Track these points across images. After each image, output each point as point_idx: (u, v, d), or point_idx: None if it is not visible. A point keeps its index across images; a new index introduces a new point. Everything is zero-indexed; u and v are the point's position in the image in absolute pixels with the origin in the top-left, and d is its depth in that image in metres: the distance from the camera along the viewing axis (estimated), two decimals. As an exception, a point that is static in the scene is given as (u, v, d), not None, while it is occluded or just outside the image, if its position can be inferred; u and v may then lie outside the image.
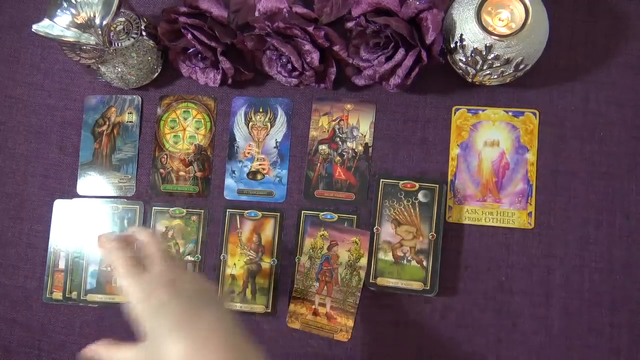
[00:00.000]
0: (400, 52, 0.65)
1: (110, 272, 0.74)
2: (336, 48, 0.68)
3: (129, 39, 0.70)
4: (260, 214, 0.72)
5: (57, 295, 0.75)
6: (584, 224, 0.67)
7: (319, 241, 0.71)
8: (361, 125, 0.72)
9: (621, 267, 0.66)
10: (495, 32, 0.61)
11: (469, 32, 0.62)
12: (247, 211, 0.73)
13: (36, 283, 0.75)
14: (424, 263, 0.68)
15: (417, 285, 0.68)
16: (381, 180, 0.70)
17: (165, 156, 0.75)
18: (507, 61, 0.62)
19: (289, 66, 0.70)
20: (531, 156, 0.69)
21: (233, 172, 0.74)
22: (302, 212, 0.72)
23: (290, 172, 0.73)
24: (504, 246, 0.68)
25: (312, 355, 0.70)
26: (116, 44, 0.70)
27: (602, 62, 0.69)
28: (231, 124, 0.75)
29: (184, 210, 0.74)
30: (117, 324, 0.73)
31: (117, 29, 0.70)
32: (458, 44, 0.63)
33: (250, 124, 0.74)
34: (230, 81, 0.73)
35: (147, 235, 0.58)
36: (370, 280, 0.69)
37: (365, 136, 0.72)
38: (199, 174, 0.75)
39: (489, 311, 0.67)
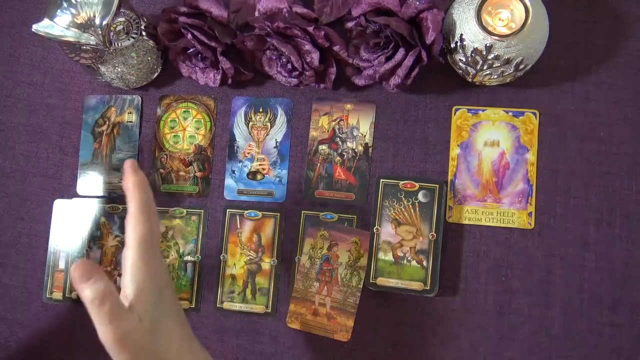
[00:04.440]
0: (400, 52, 0.65)
1: (111, 272, 0.74)
2: (336, 48, 0.68)
3: (129, 39, 0.70)
4: (260, 214, 0.72)
5: (57, 295, 0.75)
6: (584, 224, 0.67)
7: (319, 241, 0.71)
8: (361, 125, 0.72)
9: (621, 267, 0.66)
10: (495, 32, 0.61)
11: (469, 32, 0.62)
12: (247, 211, 0.73)
13: (36, 283, 0.75)
14: (424, 263, 0.68)
15: (417, 285, 0.68)
16: (381, 180, 0.70)
17: (165, 156, 0.75)
18: (507, 61, 0.62)
19: (289, 66, 0.70)
20: (531, 156, 0.69)
21: (233, 172, 0.74)
22: (302, 212, 0.72)
23: (290, 172, 0.73)
24: (504, 246, 0.68)
25: (312, 355, 0.70)
26: (116, 44, 0.70)
27: (602, 62, 0.69)
28: (231, 124, 0.75)
29: (184, 210, 0.74)
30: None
31: (117, 29, 0.70)
32: (458, 44, 0.63)
33: (250, 124, 0.74)
34: (230, 81, 0.73)
35: (130, 193, 0.53)
36: (370, 280, 0.69)
37: (365, 136, 0.72)
38: (199, 174, 0.75)
39: (489, 311, 0.67)
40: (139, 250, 0.52)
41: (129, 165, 0.54)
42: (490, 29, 0.61)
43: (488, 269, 0.68)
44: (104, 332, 0.50)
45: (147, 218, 0.53)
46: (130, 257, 0.52)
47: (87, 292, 0.49)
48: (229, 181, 0.74)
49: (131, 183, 0.53)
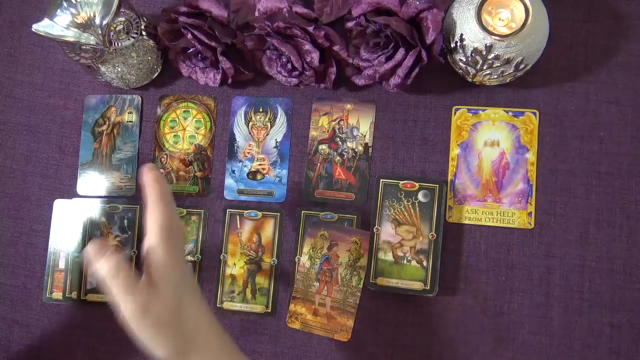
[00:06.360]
0: (400, 52, 0.65)
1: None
2: (336, 48, 0.68)
3: (129, 39, 0.70)
4: (260, 214, 0.72)
5: (57, 295, 0.75)
6: (584, 224, 0.67)
7: (319, 241, 0.71)
8: (361, 125, 0.72)
9: (621, 267, 0.66)
10: (495, 32, 0.61)
11: (469, 32, 0.62)
12: (247, 211, 0.73)
13: (36, 283, 0.75)
14: (424, 263, 0.68)
15: (417, 285, 0.68)
16: (381, 180, 0.70)
17: (165, 156, 0.75)
18: (507, 61, 0.62)
19: (289, 66, 0.70)
20: (531, 156, 0.69)
21: (233, 172, 0.74)
22: (302, 212, 0.72)
23: (290, 172, 0.73)
24: (504, 246, 0.68)
25: (312, 355, 0.70)
26: (116, 44, 0.70)
27: (602, 62, 0.69)
28: (231, 124, 0.75)
29: (184, 210, 0.74)
30: (116, 324, 0.73)
31: (117, 29, 0.70)
32: (458, 43, 0.63)
33: (250, 123, 0.74)
34: (230, 81, 0.73)
35: (149, 184, 0.55)
36: (370, 280, 0.69)
37: (365, 136, 0.72)
38: (199, 174, 0.75)
39: (489, 311, 0.67)
40: (159, 235, 0.53)
41: (147, 166, 0.57)
42: (490, 28, 0.61)
43: (488, 269, 0.68)
44: (125, 304, 0.51)
45: (165, 206, 0.54)
46: (151, 243, 0.53)
47: (102, 266, 0.51)
48: (229, 181, 0.74)
49: (149, 178, 0.56)
